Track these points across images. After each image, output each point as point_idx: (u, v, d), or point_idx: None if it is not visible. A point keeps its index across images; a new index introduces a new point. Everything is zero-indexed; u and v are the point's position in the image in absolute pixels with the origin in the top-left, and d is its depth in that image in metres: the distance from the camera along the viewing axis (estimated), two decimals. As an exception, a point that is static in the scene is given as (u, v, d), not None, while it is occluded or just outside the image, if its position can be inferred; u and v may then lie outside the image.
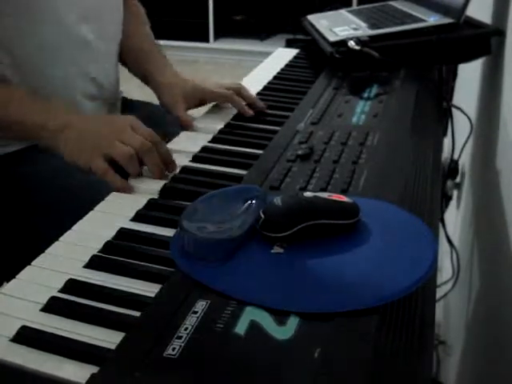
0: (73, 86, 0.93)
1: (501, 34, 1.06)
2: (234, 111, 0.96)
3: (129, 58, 1.09)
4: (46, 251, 0.58)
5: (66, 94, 0.92)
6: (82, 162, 0.75)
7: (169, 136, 0.88)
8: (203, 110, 1.01)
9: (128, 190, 0.72)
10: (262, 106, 0.97)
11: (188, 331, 0.45)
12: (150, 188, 0.72)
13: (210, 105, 1.01)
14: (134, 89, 1.08)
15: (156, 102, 1.06)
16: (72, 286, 0.53)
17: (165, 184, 0.72)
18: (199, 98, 0.99)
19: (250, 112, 0.95)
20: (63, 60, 0.91)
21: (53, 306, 0.50)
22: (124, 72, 1.11)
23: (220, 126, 0.91)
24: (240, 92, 0.97)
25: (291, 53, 1.30)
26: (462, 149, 1.19)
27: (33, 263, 0.56)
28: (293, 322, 0.46)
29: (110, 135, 0.75)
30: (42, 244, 0.59)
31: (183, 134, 0.90)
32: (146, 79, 1.06)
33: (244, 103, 0.96)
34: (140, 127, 0.77)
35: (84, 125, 0.79)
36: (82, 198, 0.75)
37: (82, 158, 0.75)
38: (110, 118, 0.82)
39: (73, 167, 0.78)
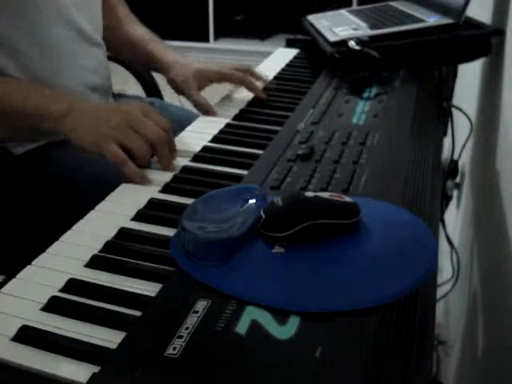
0: (77, 78, 0.93)
1: (501, 33, 1.06)
2: (234, 111, 0.96)
3: (127, 45, 1.07)
4: (47, 251, 0.58)
5: (71, 86, 0.91)
6: (91, 147, 0.72)
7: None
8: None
9: (145, 180, 0.71)
10: (265, 94, 0.97)
11: (189, 331, 0.45)
12: (150, 187, 0.72)
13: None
14: (131, 87, 1.08)
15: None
16: (73, 285, 0.53)
17: (165, 183, 0.72)
18: (211, 79, 0.98)
19: (263, 95, 0.95)
20: (66, 55, 0.90)
21: (53, 306, 0.50)
22: (120, 71, 1.11)
23: (220, 125, 0.91)
24: (252, 73, 0.97)
25: (291, 53, 1.30)
26: (462, 149, 1.19)
27: (33, 263, 0.56)
28: (293, 322, 0.46)
29: (122, 121, 0.73)
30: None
31: (183, 134, 0.90)
32: (150, 62, 1.04)
33: (259, 87, 0.96)
34: (152, 114, 0.75)
35: (91, 108, 0.77)
36: (95, 195, 0.74)
37: (92, 143, 0.72)
38: (119, 104, 0.80)
39: (84, 163, 0.76)
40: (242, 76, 0.96)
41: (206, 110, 0.93)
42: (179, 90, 0.98)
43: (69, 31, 0.90)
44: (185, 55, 1.05)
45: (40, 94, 0.79)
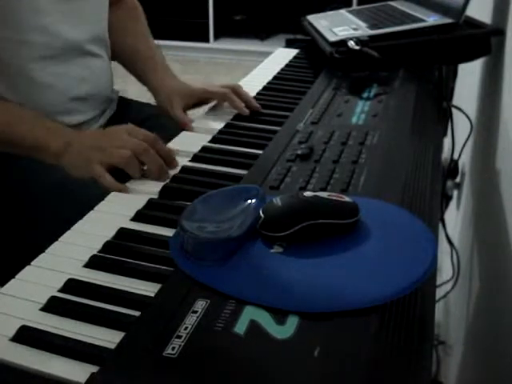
0: (62, 89, 0.93)
1: (501, 33, 1.06)
2: (234, 111, 0.96)
3: (125, 57, 1.09)
4: (46, 251, 0.58)
5: (55, 97, 0.92)
6: (84, 174, 0.76)
7: (168, 136, 0.89)
8: (203, 110, 1.01)
9: (124, 191, 0.72)
10: (257, 105, 0.97)
11: (188, 331, 0.45)
12: (150, 189, 0.72)
13: (210, 105, 1.01)
14: (131, 86, 1.08)
15: (153, 101, 1.06)
16: (72, 285, 0.53)
17: (165, 184, 0.72)
18: (196, 97, 1.00)
19: (247, 111, 0.95)
20: (50, 65, 0.90)
21: (53, 306, 0.50)
22: (121, 70, 1.11)
23: (220, 126, 0.91)
24: (237, 91, 0.98)
25: (291, 53, 1.30)
26: (462, 149, 1.19)
27: (32, 263, 0.56)
28: (292, 322, 0.46)
29: (106, 144, 0.77)
30: (40, 243, 0.59)
31: (183, 134, 0.90)
32: (141, 80, 1.06)
33: (242, 103, 0.96)
34: (136, 131, 0.78)
35: (84, 141, 0.80)
36: (79, 195, 0.75)
37: (84, 170, 0.76)
38: (107, 130, 0.84)
39: (43, 170, 0.79)
40: (225, 92, 0.97)
41: (183, 126, 0.93)
42: (164, 111, 0.99)
43: (51, 40, 0.89)
44: (186, 55, 1.05)
45: (41, 128, 0.83)
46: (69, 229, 0.63)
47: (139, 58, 1.07)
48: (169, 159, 0.77)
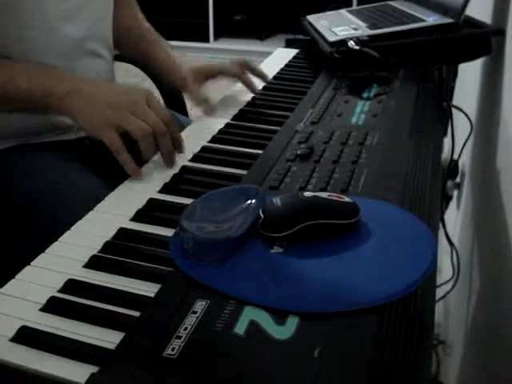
0: None
1: (501, 33, 1.06)
2: (234, 111, 0.96)
3: (129, 41, 1.08)
4: (46, 251, 0.58)
5: None
6: (93, 130, 0.72)
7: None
8: (202, 110, 1.01)
9: (138, 175, 0.70)
10: (266, 75, 1.01)
11: (187, 331, 0.45)
12: (150, 189, 0.72)
13: (209, 106, 1.01)
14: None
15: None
16: (71, 285, 0.53)
17: (165, 183, 0.72)
18: (207, 74, 1.01)
19: (256, 90, 0.98)
20: (52, 63, 0.90)
21: (52, 306, 0.50)
22: (121, 71, 1.11)
23: (220, 126, 0.91)
24: (249, 66, 0.99)
25: (291, 53, 1.30)
26: (462, 149, 1.19)
27: (32, 263, 0.56)
28: (292, 322, 0.46)
29: (123, 106, 0.72)
30: (30, 247, 0.59)
31: (183, 134, 0.90)
32: (149, 62, 1.05)
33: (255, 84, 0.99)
34: (155, 104, 0.75)
35: (94, 89, 0.76)
36: (69, 197, 0.74)
37: (94, 126, 0.72)
38: (125, 89, 0.78)
39: (58, 165, 0.76)
40: (237, 70, 0.98)
41: (204, 105, 0.93)
42: (178, 89, 0.99)
43: (54, 38, 0.89)
44: (186, 55, 1.06)
45: (46, 75, 0.79)
46: (59, 235, 0.61)
47: (145, 42, 1.07)
48: (178, 143, 0.77)
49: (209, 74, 1.01)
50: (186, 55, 1.05)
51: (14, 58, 0.86)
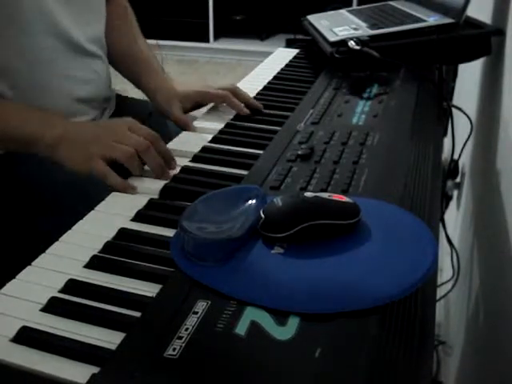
0: (67, 91, 0.93)
1: (501, 33, 1.06)
2: (234, 111, 0.96)
3: (119, 61, 1.08)
4: (47, 251, 0.58)
5: (60, 100, 0.92)
6: (82, 168, 0.75)
7: (168, 134, 0.88)
8: (203, 110, 1.01)
9: (130, 190, 0.72)
10: (258, 105, 0.98)
11: (188, 331, 0.45)
12: (150, 188, 0.72)
13: (209, 106, 1.01)
14: (131, 85, 1.08)
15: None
16: (72, 286, 0.53)
17: (165, 184, 0.72)
18: (194, 100, 0.99)
19: (247, 111, 0.95)
20: (55, 67, 0.90)
21: (53, 307, 0.50)
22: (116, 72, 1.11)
23: (220, 126, 0.91)
24: (235, 92, 0.98)
25: (291, 53, 1.30)
26: (462, 149, 1.19)
27: (33, 263, 0.56)
28: (293, 323, 0.46)
29: (108, 138, 0.75)
30: (41, 244, 0.59)
31: (183, 134, 0.90)
32: (136, 83, 1.06)
33: (241, 104, 0.96)
34: (138, 128, 0.77)
35: (82, 133, 0.79)
36: (82, 195, 0.75)
37: (82, 164, 0.75)
38: (108, 123, 0.83)
39: (51, 170, 0.77)
40: (224, 95, 0.97)
41: (184, 127, 0.93)
42: (163, 113, 0.99)
43: (57, 42, 0.89)
44: (186, 55, 1.05)
45: (34, 120, 0.81)
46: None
47: (133, 61, 1.06)
48: (168, 159, 0.77)
49: (195, 99, 0.99)
50: (186, 55, 1.04)
51: (15, 68, 0.86)
